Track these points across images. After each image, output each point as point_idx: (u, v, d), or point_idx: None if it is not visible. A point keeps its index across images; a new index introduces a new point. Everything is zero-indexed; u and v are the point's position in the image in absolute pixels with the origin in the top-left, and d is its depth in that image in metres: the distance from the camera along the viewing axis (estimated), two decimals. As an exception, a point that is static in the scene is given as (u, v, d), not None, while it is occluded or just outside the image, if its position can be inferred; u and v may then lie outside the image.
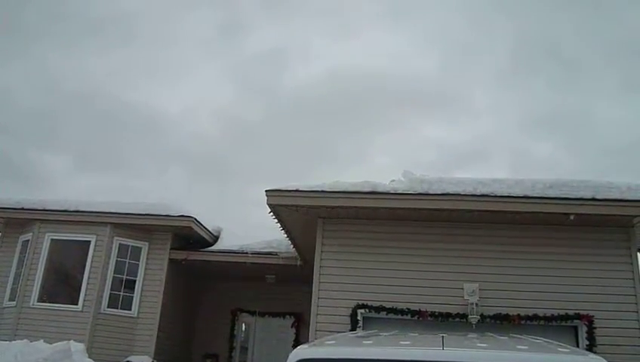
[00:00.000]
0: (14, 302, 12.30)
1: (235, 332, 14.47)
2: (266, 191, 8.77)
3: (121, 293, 12.43)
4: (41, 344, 8.76)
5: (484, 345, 3.77)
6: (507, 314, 8.32)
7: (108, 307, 12.18)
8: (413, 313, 8.56)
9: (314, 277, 9.02)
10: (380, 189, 8.76)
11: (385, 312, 8.63)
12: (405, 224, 9.04)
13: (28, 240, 12.80)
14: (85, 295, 12.07)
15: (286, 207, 8.94)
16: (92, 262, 12.29)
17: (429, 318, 8.50)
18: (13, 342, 9.38)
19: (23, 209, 12.87)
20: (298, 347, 3.56)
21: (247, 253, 12.65)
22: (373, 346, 3.87)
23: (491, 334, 5.19)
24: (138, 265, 12.67)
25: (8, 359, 8.42)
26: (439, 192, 8.63)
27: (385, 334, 4.76)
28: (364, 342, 4.13)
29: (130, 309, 12.37)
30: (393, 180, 8.96)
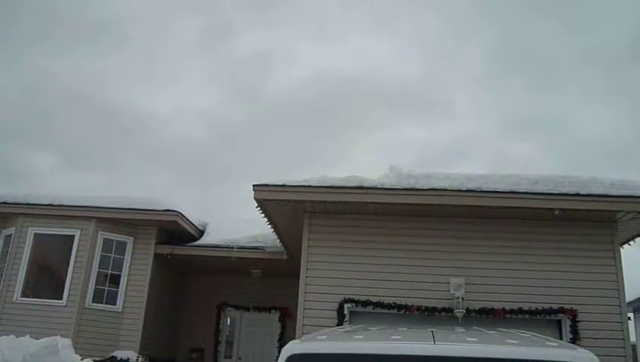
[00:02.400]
0: (-3, 297, 12.18)
1: (221, 326, 14.46)
2: (253, 185, 8.75)
3: (106, 288, 12.35)
4: (27, 339, 8.68)
5: (474, 339, 3.80)
6: (492, 308, 8.41)
7: (93, 302, 12.09)
8: (400, 307, 8.60)
9: (301, 271, 9.03)
10: (366, 184, 8.78)
11: (371, 306, 8.67)
12: (392, 219, 9.08)
13: (11, 235, 12.66)
14: (70, 290, 11.98)
15: (273, 201, 8.93)
16: (76, 256, 12.20)
17: (415, 312, 8.55)
18: (-1, 337, 9.29)
19: (5, 203, 12.72)
20: (290, 342, 3.56)
21: (232, 247, 12.61)
22: (365, 341, 3.88)
23: (479, 328, 5.24)
24: (123, 259, 12.59)
25: (-6, 354, 8.35)
26: (426, 187, 8.67)
27: (374, 329, 4.78)
28: (355, 336, 4.14)
29: (115, 304, 12.30)
30: (386, 174, 8.99)
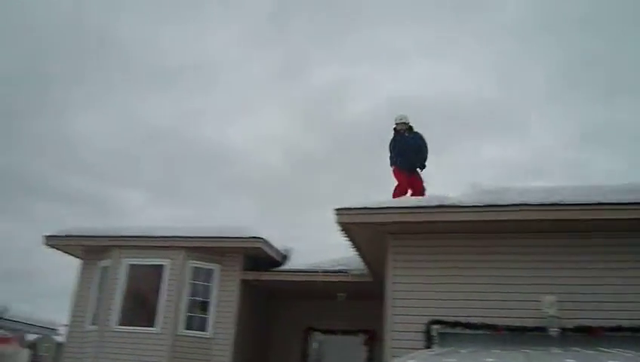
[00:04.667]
0: (96, 326, 12.80)
1: (308, 350, 14.52)
2: (335, 209, 8.84)
3: (196, 315, 12.75)
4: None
5: (572, 360, 3.68)
6: (589, 327, 7.98)
7: (184, 328, 12.50)
8: (489, 327, 8.36)
9: (386, 294, 8.99)
10: (447, 202, 8.69)
11: (460, 327, 8.47)
12: (476, 236, 8.89)
13: (107, 266, 13.33)
14: (162, 317, 12.44)
15: (355, 224, 8.98)
16: (167, 285, 12.68)
17: (504, 332, 8.29)
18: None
19: (101, 236, 13.44)
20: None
21: (317, 271, 12.71)
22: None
23: (576, 348, 5.05)
24: (211, 286, 12.97)
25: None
26: (509, 203, 8.47)
27: (464, 351, 4.71)
28: (445, 359, 4.11)
29: (205, 330, 12.65)
30: (467, 191, 8.86)
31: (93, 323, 13.01)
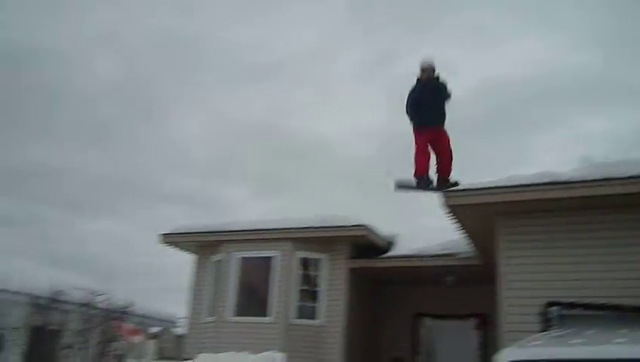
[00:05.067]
0: (213, 317, 13.42)
1: (418, 336, 14.48)
2: (443, 192, 8.75)
3: (306, 304, 13.05)
4: (246, 355, 9.50)
5: None
6: None
7: (295, 317, 12.84)
8: (611, 308, 7.97)
9: (498, 276, 8.79)
10: (559, 179, 8.35)
11: (579, 309, 8.14)
12: (592, 212, 8.43)
13: (219, 260, 13.90)
14: (274, 307, 12.84)
15: (463, 206, 8.83)
16: (277, 275, 13.05)
17: (628, 313, 7.87)
18: (221, 354, 10.25)
19: (212, 232, 14.07)
20: (507, 348, 3.54)
21: (423, 256, 12.65)
22: (585, 345, 3.73)
23: None
24: (319, 275, 13.24)
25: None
26: (623, 176, 7.99)
27: (589, 332, 4.55)
28: (571, 341, 3.99)
29: (315, 318, 12.93)
30: (578, 166, 8.47)
31: (210, 315, 13.64)
